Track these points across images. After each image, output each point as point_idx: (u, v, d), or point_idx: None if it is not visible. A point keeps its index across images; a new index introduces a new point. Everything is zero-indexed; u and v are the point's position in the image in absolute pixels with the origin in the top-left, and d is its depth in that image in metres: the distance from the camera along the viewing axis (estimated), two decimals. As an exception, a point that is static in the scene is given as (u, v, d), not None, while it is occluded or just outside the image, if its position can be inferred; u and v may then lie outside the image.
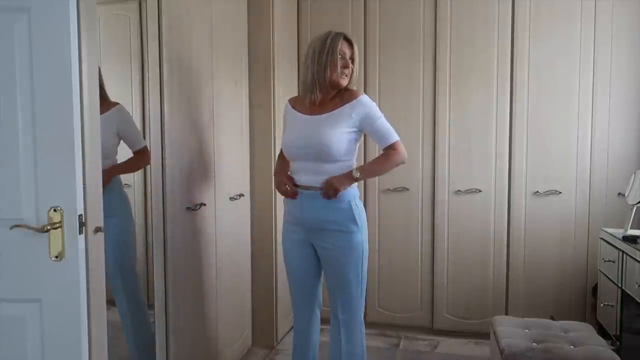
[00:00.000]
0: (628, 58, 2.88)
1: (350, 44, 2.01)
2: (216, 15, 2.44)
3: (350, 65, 2.01)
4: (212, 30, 2.41)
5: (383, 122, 2.02)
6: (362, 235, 2.03)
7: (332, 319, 2.13)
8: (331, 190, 1.94)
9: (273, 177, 2.21)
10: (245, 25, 2.81)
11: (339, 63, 1.97)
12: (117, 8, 2.39)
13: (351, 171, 1.98)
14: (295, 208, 2.07)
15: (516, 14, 2.97)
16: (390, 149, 2.03)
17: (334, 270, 2.05)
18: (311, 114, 2.03)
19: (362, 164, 2.93)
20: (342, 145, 1.96)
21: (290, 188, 2.05)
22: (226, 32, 2.57)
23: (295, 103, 2.14)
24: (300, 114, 2.07)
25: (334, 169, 1.98)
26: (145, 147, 2.23)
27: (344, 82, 2.01)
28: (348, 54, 2.00)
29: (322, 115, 2.01)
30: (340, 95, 2.03)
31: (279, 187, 2.12)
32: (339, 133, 1.96)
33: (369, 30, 3.17)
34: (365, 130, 2.03)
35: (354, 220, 2.00)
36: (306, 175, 2.02)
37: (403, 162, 2.06)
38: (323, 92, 2.01)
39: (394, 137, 2.03)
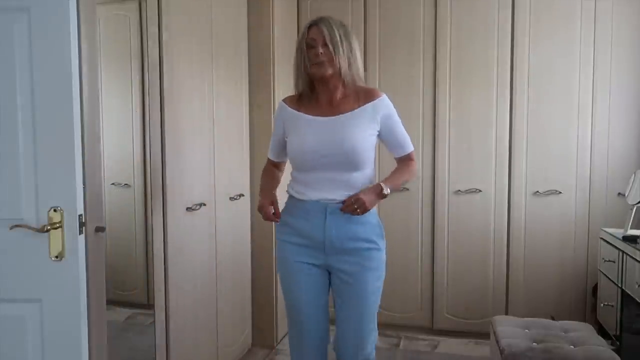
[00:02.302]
0: (628, 58, 2.88)
1: (320, 29, 1.72)
2: (216, 15, 2.44)
3: (321, 49, 1.69)
4: (212, 30, 2.41)
5: (402, 128, 1.82)
6: (385, 252, 1.81)
7: (342, 348, 1.82)
8: (361, 208, 1.66)
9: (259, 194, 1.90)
10: (245, 25, 2.81)
11: (309, 52, 1.71)
12: (117, 8, 2.39)
13: (380, 186, 1.69)
14: (312, 228, 1.74)
15: (516, 13, 2.97)
16: (408, 159, 1.84)
17: (354, 299, 1.76)
18: (325, 115, 1.75)
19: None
20: (369, 149, 1.73)
21: (275, 212, 1.77)
22: (226, 32, 2.57)
23: (292, 103, 1.83)
24: (308, 115, 1.77)
25: (360, 178, 1.74)
26: None
27: (323, 70, 1.70)
28: (319, 39, 1.70)
29: (342, 115, 1.73)
30: (356, 94, 1.77)
31: (262, 209, 1.78)
32: (366, 136, 1.72)
33: (369, 31, 3.17)
34: (382, 134, 1.79)
35: (381, 235, 1.79)
36: (328, 189, 1.73)
37: (416, 174, 1.92)
38: (321, 89, 1.76)
39: (411, 146, 1.84)
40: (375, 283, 1.77)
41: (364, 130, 1.72)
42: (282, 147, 1.87)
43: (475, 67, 3.03)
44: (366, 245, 1.74)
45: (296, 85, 1.81)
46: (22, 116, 1.43)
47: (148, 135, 2.08)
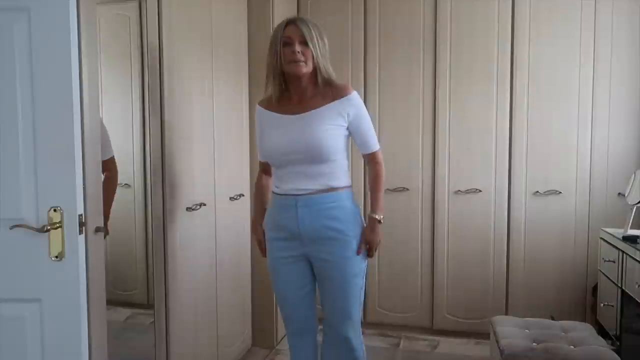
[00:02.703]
0: (628, 58, 2.88)
1: (298, 27, 1.75)
2: (216, 15, 2.44)
3: (299, 48, 1.73)
4: (212, 30, 2.41)
5: (370, 125, 1.87)
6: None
7: (328, 328, 1.94)
8: (376, 247, 1.87)
9: (251, 223, 2.07)
10: (245, 25, 2.81)
11: (286, 50, 1.74)
12: (117, 8, 2.38)
13: (374, 218, 1.85)
14: (288, 219, 1.82)
15: (516, 13, 2.97)
16: (373, 158, 1.90)
17: (335, 286, 1.84)
18: (293, 113, 1.81)
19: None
20: (334, 142, 1.78)
21: (263, 247, 1.98)
22: (226, 32, 2.57)
23: (266, 104, 1.89)
24: (278, 114, 1.84)
25: (330, 170, 1.80)
26: (112, 157, 2.08)
27: (301, 69, 1.74)
28: (296, 38, 1.73)
29: (307, 113, 1.79)
30: (324, 91, 1.81)
31: (257, 241, 2.03)
32: (330, 129, 1.77)
33: (369, 30, 3.17)
34: (350, 131, 1.84)
35: (357, 224, 1.85)
36: (298, 182, 1.80)
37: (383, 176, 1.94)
38: (293, 87, 1.81)
39: (377, 145, 1.89)
40: (355, 269, 1.84)
41: (329, 125, 1.78)
42: None
43: (476, 67, 3.03)
44: (340, 235, 1.81)
45: (266, 84, 1.85)
46: (22, 116, 1.43)
47: (148, 135, 2.08)
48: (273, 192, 1.92)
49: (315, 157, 1.77)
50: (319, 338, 2.02)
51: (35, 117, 1.43)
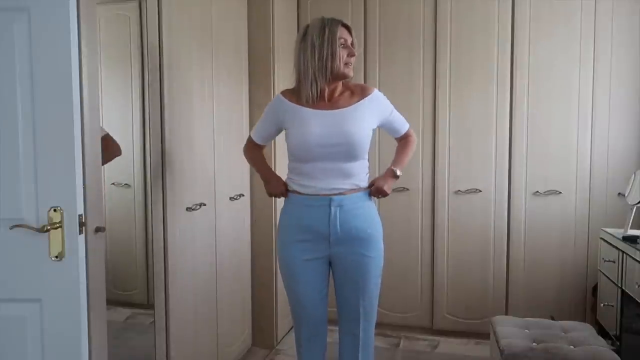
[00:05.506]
0: (628, 58, 2.88)
1: (348, 30, 1.83)
2: (216, 15, 2.44)
3: (355, 52, 1.82)
4: (212, 30, 2.41)
5: (397, 113, 1.97)
6: (382, 242, 1.91)
7: (345, 336, 1.94)
8: (383, 195, 1.87)
9: (266, 181, 1.99)
10: (245, 25, 2.81)
11: (343, 52, 1.78)
12: (117, 8, 2.38)
13: (392, 170, 1.90)
14: (317, 220, 1.80)
15: (516, 13, 2.97)
16: (407, 135, 2.02)
17: (360, 286, 1.84)
18: (326, 109, 1.80)
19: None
20: (368, 140, 1.82)
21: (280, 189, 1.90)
22: (226, 32, 2.57)
23: (290, 96, 1.86)
24: (309, 109, 1.80)
25: (357, 168, 1.83)
26: (107, 135, 2.00)
27: (350, 72, 1.81)
28: (349, 40, 1.81)
29: (343, 109, 1.80)
30: (351, 90, 1.87)
31: (274, 190, 1.94)
32: (365, 128, 1.80)
33: (369, 30, 3.17)
34: (381, 124, 1.92)
35: (380, 226, 1.90)
36: (331, 180, 1.80)
37: (416, 144, 2.08)
38: (327, 85, 1.80)
39: (407, 124, 2.01)
40: (377, 270, 1.88)
41: (364, 122, 1.81)
42: (271, 136, 1.99)
43: (476, 67, 3.03)
44: (367, 236, 1.83)
45: (312, 79, 1.77)
46: (22, 116, 1.43)
47: (148, 135, 2.08)
48: (294, 192, 1.86)
49: (352, 152, 1.79)
50: (328, 339, 2.00)
51: (35, 117, 1.43)
